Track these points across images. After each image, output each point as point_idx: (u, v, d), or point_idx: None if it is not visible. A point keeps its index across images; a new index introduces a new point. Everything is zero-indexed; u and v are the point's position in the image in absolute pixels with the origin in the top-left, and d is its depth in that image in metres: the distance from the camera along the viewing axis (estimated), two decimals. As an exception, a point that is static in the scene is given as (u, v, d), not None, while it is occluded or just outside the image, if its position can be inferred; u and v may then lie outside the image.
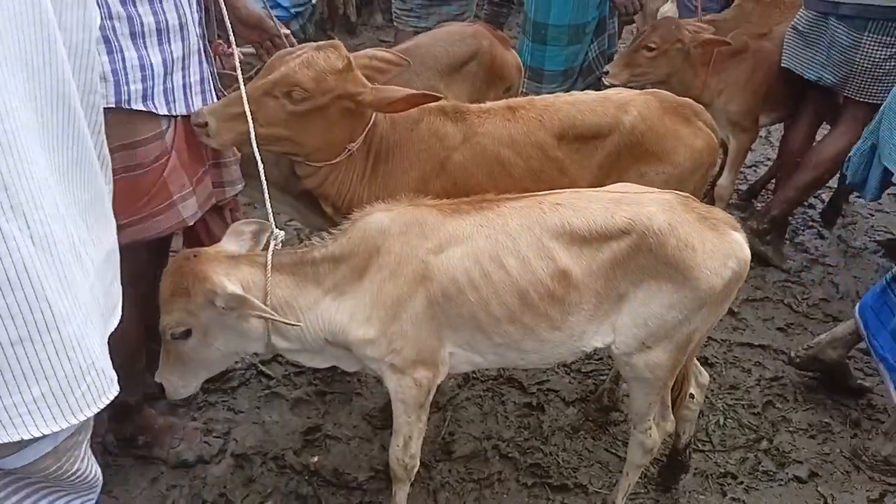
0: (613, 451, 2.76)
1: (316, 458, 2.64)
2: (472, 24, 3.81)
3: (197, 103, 2.18)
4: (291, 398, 2.93)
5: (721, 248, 1.88)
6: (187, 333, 1.88)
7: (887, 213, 4.90)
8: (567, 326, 1.96)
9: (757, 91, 3.98)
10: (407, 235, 1.90)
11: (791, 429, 2.91)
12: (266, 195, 2.05)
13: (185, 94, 2.12)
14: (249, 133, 2.05)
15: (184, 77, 2.11)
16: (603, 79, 3.97)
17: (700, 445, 2.78)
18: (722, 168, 4.28)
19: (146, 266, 2.29)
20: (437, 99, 2.27)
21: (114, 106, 1.89)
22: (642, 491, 2.58)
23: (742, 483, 2.65)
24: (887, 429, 2.78)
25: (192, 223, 2.16)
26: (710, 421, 2.90)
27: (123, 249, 2.08)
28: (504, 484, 2.60)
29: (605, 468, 2.68)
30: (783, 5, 4.61)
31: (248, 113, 2.03)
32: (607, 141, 2.51)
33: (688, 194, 2.03)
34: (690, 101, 2.70)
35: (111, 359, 2.34)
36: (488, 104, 2.60)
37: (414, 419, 2.07)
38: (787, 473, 2.69)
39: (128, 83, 1.92)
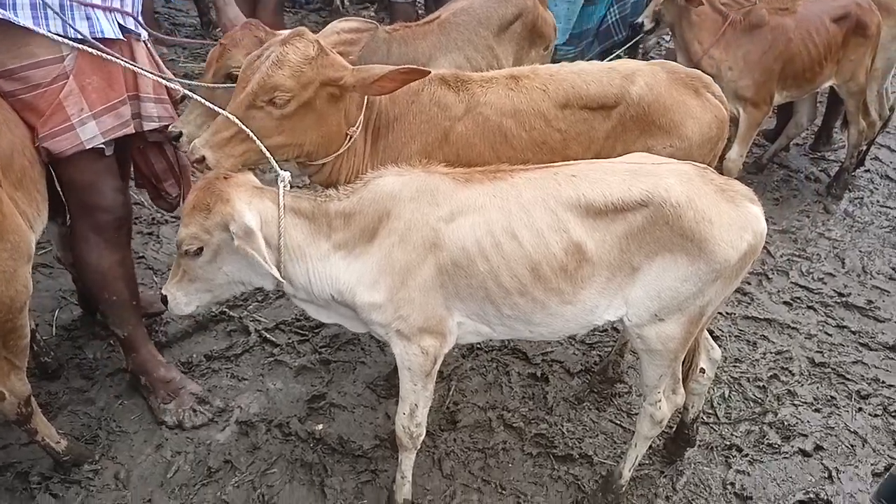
0: (618, 422, 2.76)
1: (320, 426, 2.63)
2: None
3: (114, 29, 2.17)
4: (295, 366, 2.91)
5: (738, 220, 1.85)
6: (199, 251, 1.89)
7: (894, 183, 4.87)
8: (579, 301, 1.93)
9: (771, 68, 3.90)
10: (418, 202, 1.87)
11: (796, 402, 2.91)
12: (269, 156, 2.00)
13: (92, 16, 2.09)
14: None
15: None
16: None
17: (705, 418, 2.77)
18: (730, 141, 4.22)
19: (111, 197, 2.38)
20: (426, 74, 2.11)
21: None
22: (647, 462, 2.58)
23: (747, 455, 2.65)
24: None
25: (89, 147, 2.19)
26: (715, 394, 2.90)
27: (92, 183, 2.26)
28: (509, 453, 2.60)
29: (609, 439, 2.68)
30: None
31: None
32: (613, 112, 2.42)
33: (706, 166, 1.98)
34: (699, 72, 2.63)
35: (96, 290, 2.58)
36: (490, 73, 2.51)
37: (420, 387, 2.05)
38: (792, 447, 2.70)
39: None
